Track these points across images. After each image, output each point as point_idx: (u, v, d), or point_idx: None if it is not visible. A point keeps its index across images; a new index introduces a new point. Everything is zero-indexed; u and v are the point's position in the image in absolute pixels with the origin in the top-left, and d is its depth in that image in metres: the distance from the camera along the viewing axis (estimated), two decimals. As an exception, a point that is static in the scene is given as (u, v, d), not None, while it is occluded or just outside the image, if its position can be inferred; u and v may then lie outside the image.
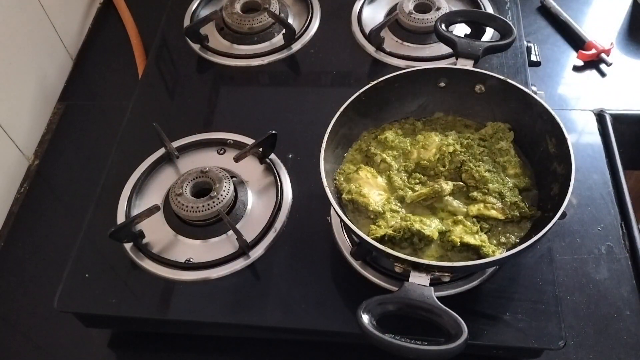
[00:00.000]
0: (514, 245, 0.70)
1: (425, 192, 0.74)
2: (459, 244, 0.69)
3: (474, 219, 0.72)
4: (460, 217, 0.72)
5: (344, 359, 0.77)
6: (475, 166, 0.75)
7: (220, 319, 0.74)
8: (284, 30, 1.03)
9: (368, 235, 0.68)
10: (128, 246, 0.80)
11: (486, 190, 0.73)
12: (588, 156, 0.92)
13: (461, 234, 0.70)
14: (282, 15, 1.07)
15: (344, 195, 0.75)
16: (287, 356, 0.79)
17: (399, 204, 0.75)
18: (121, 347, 0.81)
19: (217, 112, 0.97)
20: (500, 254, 0.68)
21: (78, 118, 1.07)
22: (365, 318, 0.61)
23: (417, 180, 0.77)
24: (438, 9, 1.01)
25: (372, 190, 0.76)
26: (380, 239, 0.69)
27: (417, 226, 0.70)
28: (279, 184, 0.85)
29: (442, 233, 0.71)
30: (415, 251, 0.70)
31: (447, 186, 0.74)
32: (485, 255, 0.68)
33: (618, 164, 0.90)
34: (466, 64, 0.80)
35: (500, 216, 0.72)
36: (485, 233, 0.71)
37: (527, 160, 0.78)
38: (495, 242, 0.71)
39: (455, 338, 0.59)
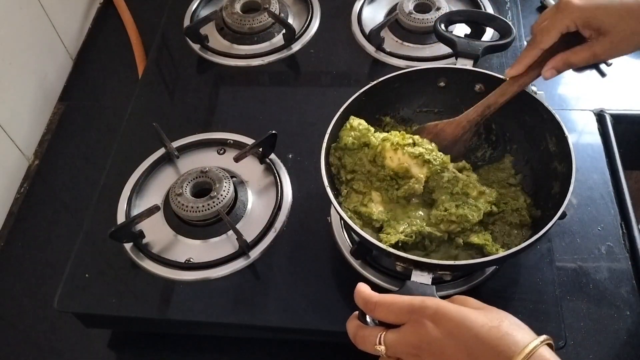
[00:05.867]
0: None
1: (401, 194, 0.74)
2: (462, 243, 0.69)
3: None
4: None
5: (343, 359, 0.77)
6: (445, 208, 0.71)
7: (220, 319, 0.74)
8: (284, 30, 1.03)
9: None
10: (128, 246, 0.80)
11: (470, 226, 0.70)
12: (588, 156, 0.92)
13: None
14: (282, 15, 1.07)
15: (346, 206, 0.74)
16: (287, 356, 0.79)
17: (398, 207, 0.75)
18: (121, 347, 0.81)
19: (217, 112, 0.97)
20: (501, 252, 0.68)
21: (78, 118, 1.07)
22: (367, 317, 0.61)
23: (389, 179, 0.75)
24: (438, 9, 1.01)
25: (371, 200, 0.75)
26: (394, 247, 0.67)
27: (428, 229, 0.70)
28: (279, 184, 0.85)
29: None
30: (428, 254, 0.70)
31: (418, 185, 0.73)
32: (489, 254, 0.67)
33: (618, 164, 0.90)
34: (466, 64, 0.80)
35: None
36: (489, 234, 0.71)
37: (527, 161, 0.78)
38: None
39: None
